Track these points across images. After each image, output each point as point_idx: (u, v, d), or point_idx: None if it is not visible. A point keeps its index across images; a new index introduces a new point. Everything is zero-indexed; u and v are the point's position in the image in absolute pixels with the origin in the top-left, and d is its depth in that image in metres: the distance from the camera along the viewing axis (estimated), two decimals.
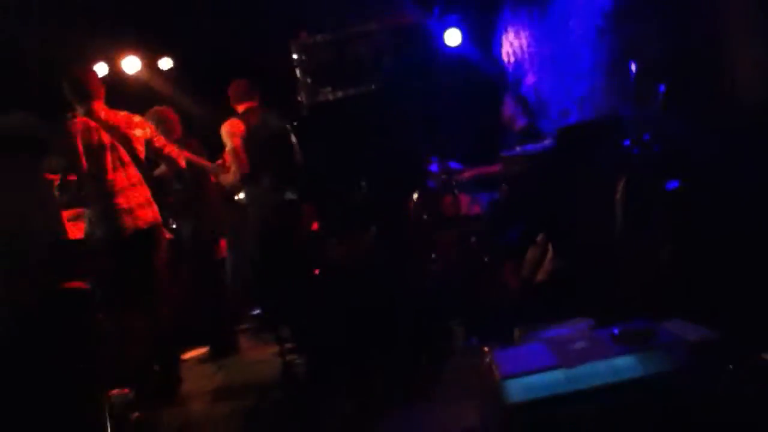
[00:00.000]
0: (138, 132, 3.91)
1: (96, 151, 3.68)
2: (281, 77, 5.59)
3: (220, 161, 5.09)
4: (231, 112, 4.60)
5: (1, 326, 2.66)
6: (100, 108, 3.80)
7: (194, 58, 6.74)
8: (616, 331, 2.34)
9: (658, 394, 1.99)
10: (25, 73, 5.41)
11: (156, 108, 4.85)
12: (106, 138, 3.73)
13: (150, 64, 6.73)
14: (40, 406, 2.71)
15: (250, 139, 4.27)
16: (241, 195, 4.75)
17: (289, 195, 4.36)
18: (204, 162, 4.70)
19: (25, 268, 2.80)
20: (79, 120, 3.70)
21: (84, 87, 3.79)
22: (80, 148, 3.61)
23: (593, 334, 2.40)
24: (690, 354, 2.07)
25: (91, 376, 3.08)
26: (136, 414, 3.59)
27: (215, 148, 5.18)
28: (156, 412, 3.64)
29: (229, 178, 4.35)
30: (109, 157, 3.71)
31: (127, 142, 3.81)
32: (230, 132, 4.28)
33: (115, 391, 3.77)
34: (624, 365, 2.10)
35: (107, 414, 3.02)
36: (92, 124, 3.70)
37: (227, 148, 4.28)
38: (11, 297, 2.72)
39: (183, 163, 4.12)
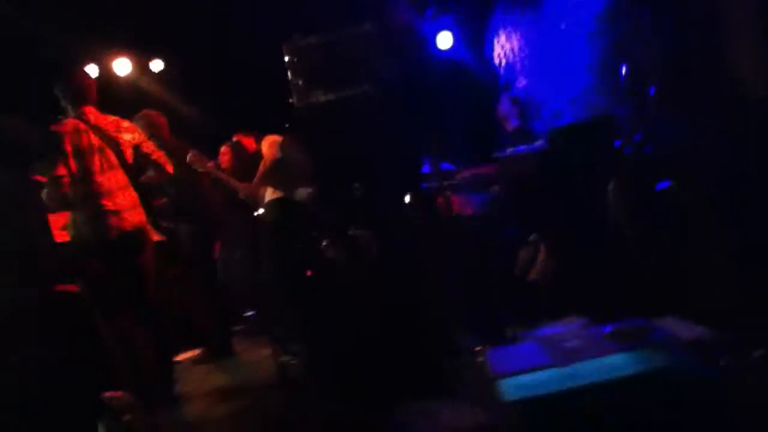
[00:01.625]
0: (127, 136, 3.90)
1: (84, 153, 3.66)
2: (274, 79, 5.60)
3: (213, 163, 5.12)
4: (222, 113, 4.66)
5: None
6: (91, 111, 3.80)
7: (186, 60, 6.75)
8: (609, 329, 2.37)
9: (652, 391, 2.01)
10: (18, 74, 5.41)
11: (145, 112, 4.84)
12: (95, 140, 3.72)
13: (141, 66, 6.73)
14: (36, 408, 2.71)
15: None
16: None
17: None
18: (229, 181, 4.81)
19: (16, 271, 2.79)
20: (69, 121, 3.69)
21: (77, 91, 3.79)
22: (69, 149, 3.61)
23: (586, 332, 2.43)
24: (683, 351, 2.10)
25: (86, 379, 3.07)
26: (129, 416, 3.58)
27: (204, 150, 5.21)
28: (150, 414, 3.63)
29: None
30: (97, 160, 3.71)
31: (115, 145, 3.80)
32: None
33: (109, 394, 3.77)
34: (617, 363, 2.12)
35: (101, 417, 3.00)
36: (81, 126, 3.69)
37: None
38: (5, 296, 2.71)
39: (171, 170, 4.12)
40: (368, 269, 3.97)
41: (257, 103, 4.77)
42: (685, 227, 3.03)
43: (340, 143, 5.29)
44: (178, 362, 4.56)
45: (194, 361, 4.94)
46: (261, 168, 4.76)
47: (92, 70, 6.27)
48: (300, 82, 5.25)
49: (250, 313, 5.86)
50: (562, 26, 5.01)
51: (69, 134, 3.63)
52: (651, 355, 2.11)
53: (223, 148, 5.51)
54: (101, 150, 3.72)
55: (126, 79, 6.63)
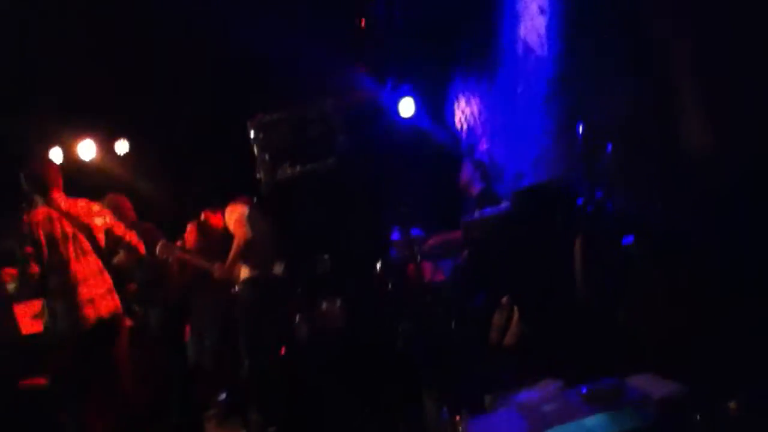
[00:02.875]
0: (98, 221, 3.90)
1: (58, 242, 3.64)
2: (238, 155, 5.64)
3: (179, 242, 5.07)
4: (187, 190, 4.67)
5: None
6: (60, 197, 3.78)
7: (150, 139, 6.76)
8: (584, 391, 2.35)
9: None
10: None
11: (110, 196, 4.85)
12: (68, 228, 3.71)
13: (105, 148, 6.71)
14: None
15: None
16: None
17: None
18: (202, 263, 4.73)
19: None
20: (41, 210, 3.67)
21: (42, 179, 3.79)
22: (42, 238, 3.56)
23: (563, 395, 2.41)
24: (657, 410, 2.08)
25: None
26: None
27: (171, 228, 5.18)
28: None
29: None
30: (71, 247, 3.67)
31: (88, 231, 3.80)
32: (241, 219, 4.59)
33: None
34: (594, 425, 2.10)
35: None
36: (54, 214, 3.69)
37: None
38: None
39: (143, 251, 4.10)
40: (338, 343, 3.92)
41: (222, 178, 4.79)
42: (648, 283, 3.06)
43: (307, 215, 5.31)
44: None
45: None
46: (234, 248, 4.67)
47: (56, 153, 6.25)
48: (266, 157, 5.30)
49: (222, 397, 5.70)
50: (519, 90, 5.14)
51: (41, 223, 3.60)
52: (626, 416, 2.10)
53: (189, 227, 5.47)
54: (74, 237, 3.71)
55: (91, 162, 6.60)
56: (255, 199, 5.17)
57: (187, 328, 5.55)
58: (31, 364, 3.66)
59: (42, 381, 3.45)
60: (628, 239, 3.40)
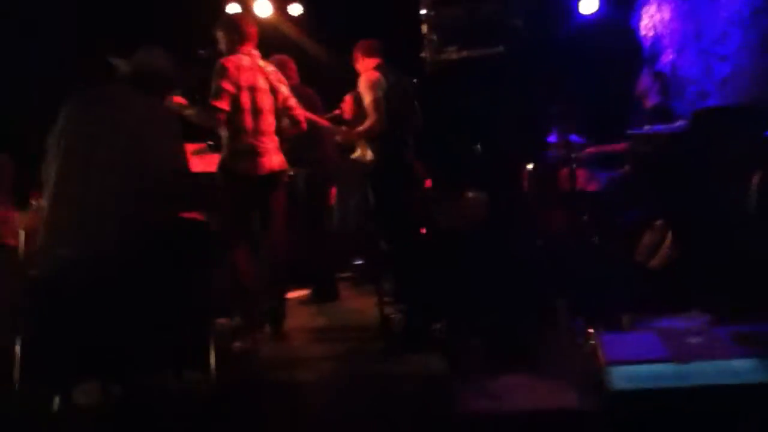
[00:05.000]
0: (283, 89, 4.11)
1: (257, 91, 3.89)
2: (408, 32, 5.54)
3: (338, 111, 5.15)
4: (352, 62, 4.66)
5: (124, 245, 2.78)
6: (257, 54, 4.00)
7: (323, 6, 6.81)
8: (735, 331, 2.22)
9: None
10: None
11: (278, 57, 4.98)
12: (264, 83, 3.95)
13: (280, 9, 6.85)
14: (148, 327, 2.86)
15: (389, 95, 4.32)
16: (357, 152, 4.77)
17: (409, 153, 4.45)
18: (324, 122, 4.80)
19: (150, 192, 2.91)
20: (245, 59, 3.89)
21: (243, 30, 3.98)
22: (243, 84, 3.81)
23: (711, 331, 2.29)
24: None
25: (202, 304, 3.22)
26: (238, 344, 3.76)
27: (331, 98, 5.27)
28: (257, 345, 3.80)
29: (364, 127, 4.37)
30: (261, 100, 3.92)
31: (274, 93, 4.03)
32: (371, 85, 4.33)
33: (221, 320, 3.97)
34: (742, 368, 1.99)
35: (211, 342, 3.15)
36: (256, 65, 3.93)
37: (368, 101, 4.32)
38: (136, 218, 2.84)
39: (305, 127, 4.28)
40: (480, 235, 3.91)
41: (391, 55, 4.73)
42: None
43: (467, 102, 5.19)
44: (286, 299, 4.72)
45: (301, 301, 5.10)
46: (376, 106, 4.32)
47: (234, 8, 6.45)
48: (435, 37, 5.14)
49: (358, 262, 5.96)
50: (721, 1, 4.63)
51: (244, 69, 3.85)
52: None
53: (346, 97, 5.54)
54: (265, 93, 3.95)
55: (264, 20, 6.78)
56: (415, 80, 5.12)
57: (333, 192, 5.79)
58: (194, 199, 3.92)
59: (200, 217, 3.70)
60: None
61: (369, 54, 4.58)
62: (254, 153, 3.87)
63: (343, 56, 5.11)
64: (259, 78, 3.92)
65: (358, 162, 4.66)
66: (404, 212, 4.36)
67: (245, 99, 3.83)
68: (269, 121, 3.98)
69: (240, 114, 3.82)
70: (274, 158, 3.97)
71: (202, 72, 3.95)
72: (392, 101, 4.36)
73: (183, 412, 2.86)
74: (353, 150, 4.82)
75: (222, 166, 3.90)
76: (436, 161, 5.20)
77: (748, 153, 3.42)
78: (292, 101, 4.19)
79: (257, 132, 3.89)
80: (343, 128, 4.74)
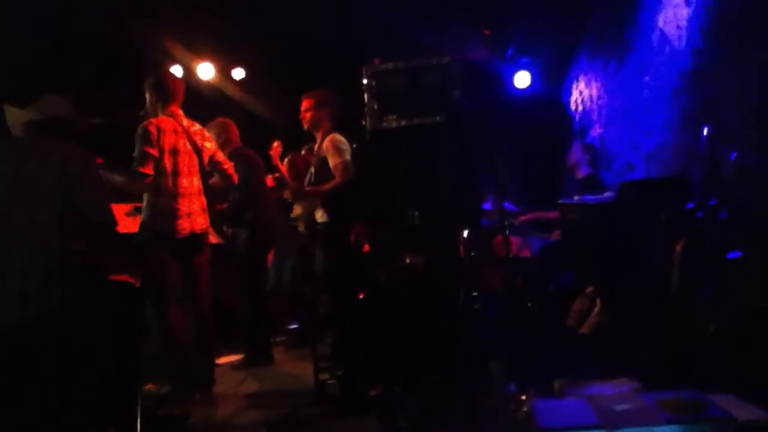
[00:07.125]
0: (208, 145, 4.14)
1: (179, 154, 3.88)
2: (347, 99, 5.67)
3: (277, 174, 5.16)
4: (296, 122, 4.71)
5: (49, 302, 2.65)
6: (181, 114, 3.99)
7: (265, 67, 6.92)
8: (662, 398, 2.28)
9: None
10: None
11: (220, 119, 5.05)
12: (187, 145, 3.95)
13: (223, 72, 6.94)
14: (74, 392, 2.74)
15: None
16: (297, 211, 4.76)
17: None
18: (290, 182, 4.78)
19: (73, 248, 2.79)
20: (168, 120, 3.88)
21: (169, 90, 3.97)
22: (165, 147, 3.80)
23: (638, 397, 2.34)
24: None
25: (129, 369, 3.10)
26: (164, 410, 3.63)
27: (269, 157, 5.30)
28: (186, 411, 3.67)
29: (330, 185, 4.39)
30: (185, 163, 3.91)
31: (199, 154, 4.03)
32: (343, 146, 4.44)
33: (148, 386, 3.83)
34: None
35: (138, 408, 3.03)
36: (178, 127, 3.92)
37: (337, 161, 4.38)
38: (63, 274, 2.72)
39: (236, 180, 4.34)
40: (418, 298, 3.93)
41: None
42: (755, 300, 2.91)
43: (404, 169, 5.29)
44: (218, 365, 4.60)
45: (233, 366, 4.98)
46: (346, 167, 4.45)
47: (177, 70, 6.49)
48: (375, 106, 5.25)
49: (294, 326, 5.88)
50: (646, 78, 4.93)
51: (167, 133, 3.84)
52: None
53: (288, 158, 5.52)
54: (187, 155, 3.95)
55: (206, 84, 6.83)
56: (355, 146, 5.20)
57: (271, 254, 5.73)
58: (122, 261, 3.85)
59: (128, 279, 3.62)
60: (735, 254, 3.23)
61: (330, 112, 4.66)
62: (174, 215, 3.84)
63: (286, 117, 5.18)
64: (180, 141, 3.91)
65: (299, 222, 4.66)
66: (353, 273, 4.38)
67: (167, 162, 3.82)
68: (192, 183, 3.96)
69: (161, 177, 3.81)
70: (196, 220, 3.95)
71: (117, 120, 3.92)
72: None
73: None
74: (292, 209, 4.83)
75: (143, 226, 3.84)
76: (375, 225, 5.24)
77: (672, 223, 3.57)
78: (220, 156, 4.23)
79: (177, 194, 3.87)
80: (294, 183, 4.71)
